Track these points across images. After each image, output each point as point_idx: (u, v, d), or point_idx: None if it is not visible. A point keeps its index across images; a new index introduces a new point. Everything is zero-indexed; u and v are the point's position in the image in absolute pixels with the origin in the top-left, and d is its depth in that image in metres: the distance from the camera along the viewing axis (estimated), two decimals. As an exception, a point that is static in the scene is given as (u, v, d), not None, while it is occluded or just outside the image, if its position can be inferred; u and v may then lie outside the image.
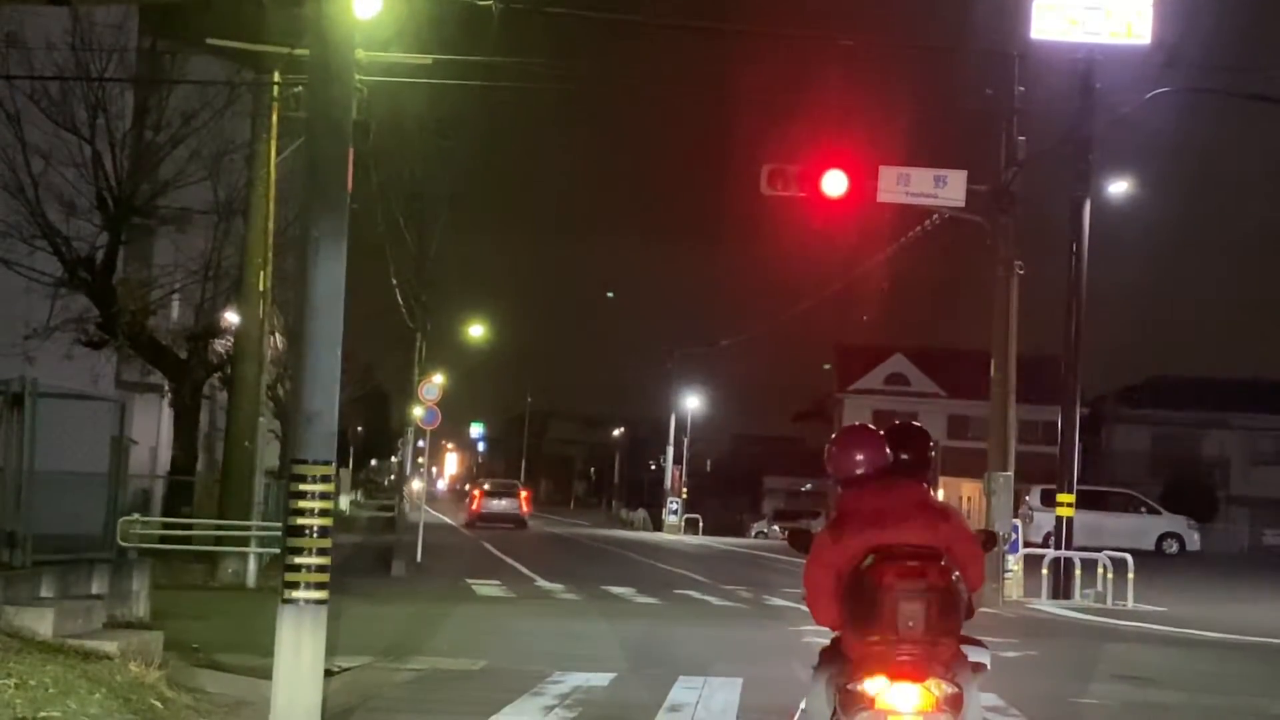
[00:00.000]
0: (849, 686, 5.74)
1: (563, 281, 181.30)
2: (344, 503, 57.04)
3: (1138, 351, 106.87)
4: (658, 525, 64.10)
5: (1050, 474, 26.93)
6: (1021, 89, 24.91)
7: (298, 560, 8.70)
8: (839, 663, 5.97)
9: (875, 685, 5.67)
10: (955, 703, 5.68)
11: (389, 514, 53.29)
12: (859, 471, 6.22)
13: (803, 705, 6.35)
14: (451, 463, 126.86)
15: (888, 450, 6.28)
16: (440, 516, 60.21)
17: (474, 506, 53.28)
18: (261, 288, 22.41)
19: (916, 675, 5.65)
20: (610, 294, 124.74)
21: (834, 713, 5.90)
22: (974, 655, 6.08)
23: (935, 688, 5.66)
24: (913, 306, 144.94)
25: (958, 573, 5.86)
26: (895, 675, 5.66)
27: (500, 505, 52.65)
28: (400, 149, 34.79)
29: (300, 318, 9.08)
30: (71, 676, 8.94)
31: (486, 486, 56.72)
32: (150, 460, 31.49)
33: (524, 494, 55.25)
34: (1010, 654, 15.39)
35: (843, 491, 6.27)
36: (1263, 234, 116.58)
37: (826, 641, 6.34)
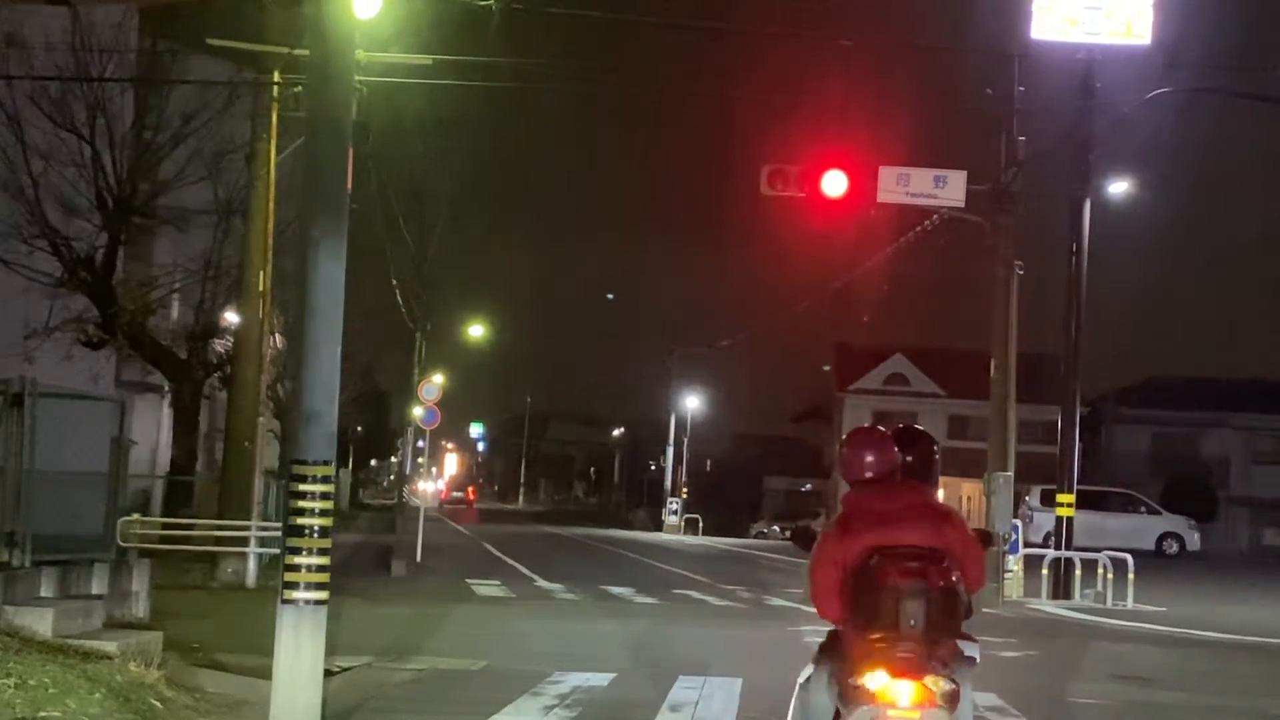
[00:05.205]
0: (850, 681, 5.89)
1: (563, 281, 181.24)
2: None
3: (1138, 351, 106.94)
4: (657, 525, 64.13)
5: (1050, 474, 26.89)
6: (1021, 89, 24.92)
7: (297, 560, 8.70)
8: (839, 657, 6.12)
9: (876, 680, 5.81)
10: (953, 699, 5.83)
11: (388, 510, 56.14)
12: (868, 474, 6.36)
13: (800, 679, 6.44)
14: (451, 463, 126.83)
15: (896, 452, 6.43)
16: (439, 514, 61.00)
17: (443, 496, 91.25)
18: (261, 288, 22.40)
19: (916, 672, 5.80)
20: (610, 296, 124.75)
21: (836, 713, 6.06)
22: (964, 650, 6.21)
23: (934, 684, 5.80)
24: (913, 306, 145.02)
25: (958, 573, 6.00)
26: (895, 672, 5.80)
27: (457, 495, 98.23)
28: (400, 149, 34.82)
29: (300, 318, 9.06)
30: (71, 676, 8.94)
31: (449, 484, 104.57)
32: (150, 460, 31.48)
33: (470, 489, 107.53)
34: (1010, 654, 15.40)
35: (850, 492, 6.42)
36: (1263, 233, 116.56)
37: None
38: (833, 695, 6.07)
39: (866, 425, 6.97)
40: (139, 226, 28.17)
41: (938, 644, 5.85)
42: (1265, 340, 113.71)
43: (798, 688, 6.48)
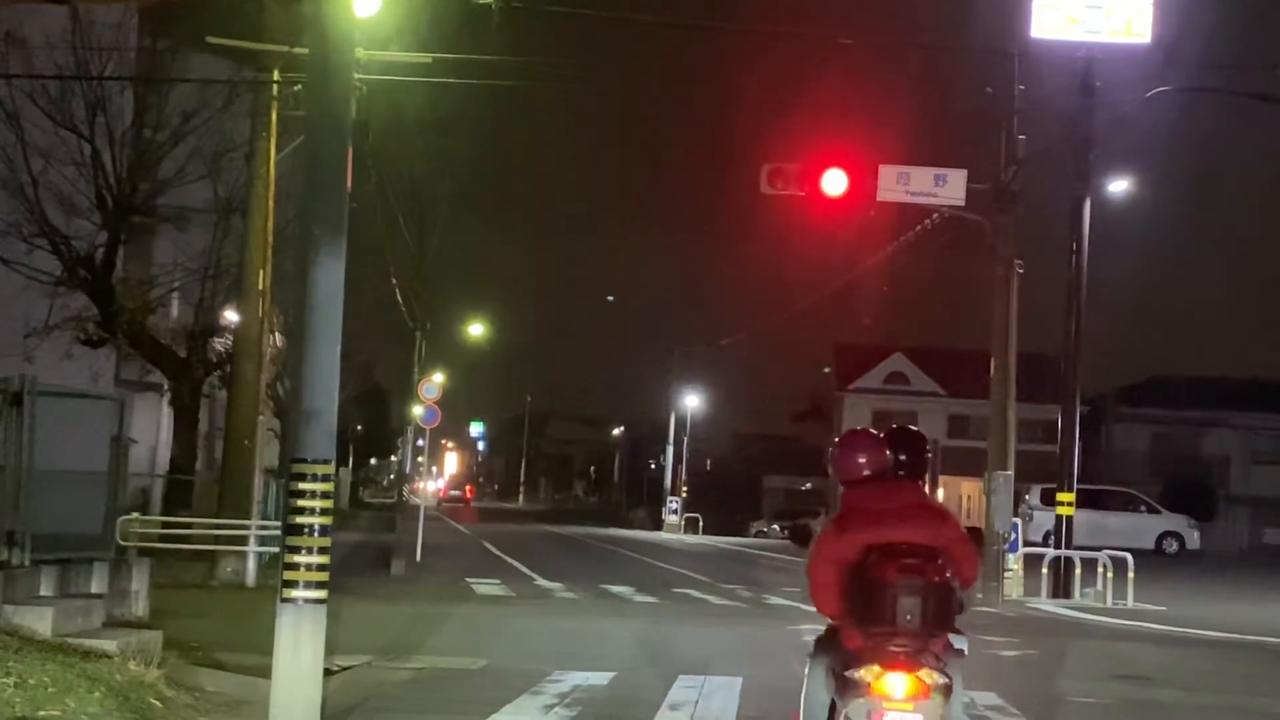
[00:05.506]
0: (846, 674, 6.07)
1: (563, 281, 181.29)
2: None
3: (1138, 351, 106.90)
4: (657, 524, 64.14)
5: (1050, 473, 26.90)
6: (1021, 88, 24.90)
7: (297, 559, 8.69)
8: (836, 652, 6.29)
9: (871, 674, 6.00)
10: (946, 691, 6.02)
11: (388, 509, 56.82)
12: (863, 474, 6.54)
13: (805, 689, 6.55)
14: (451, 462, 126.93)
15: (888, 453, 6.59)
16: (439, 513, 61.04)
17: (442, 494, 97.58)
18: (261, 286, 22.39)
19: (910, 666, 5.98)
20: (610, 298, 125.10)
21: (832, 704, 6.25)
22: (955, 643, 6.43)
23: (928, 677, 5.99)
24: (913, 306, 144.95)
25: (953, 570, 6.19)
26: (890, 665, 5.98)
27: (455, 493, 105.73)
28: (400, 148, 34.81)
29: (300, 316, 9.06)
30: (71, 675, 8.94)
31: (449, 483, 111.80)
32: (150, 459, 31.48)
33: (468, 488, 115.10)
34: (1010, 653, 15.41)
35: (846, 491, 6.58)
36: (1263, 233, 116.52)
37: (826, 638, 6.56)
38: (830, 689, 6.26)
39: (858, 428, 7.17)
40: (139, 225, 28.16)
41: (932, 638, 6.04)
42: (1265, 340, 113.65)
43: (802, 700, 6.58)
